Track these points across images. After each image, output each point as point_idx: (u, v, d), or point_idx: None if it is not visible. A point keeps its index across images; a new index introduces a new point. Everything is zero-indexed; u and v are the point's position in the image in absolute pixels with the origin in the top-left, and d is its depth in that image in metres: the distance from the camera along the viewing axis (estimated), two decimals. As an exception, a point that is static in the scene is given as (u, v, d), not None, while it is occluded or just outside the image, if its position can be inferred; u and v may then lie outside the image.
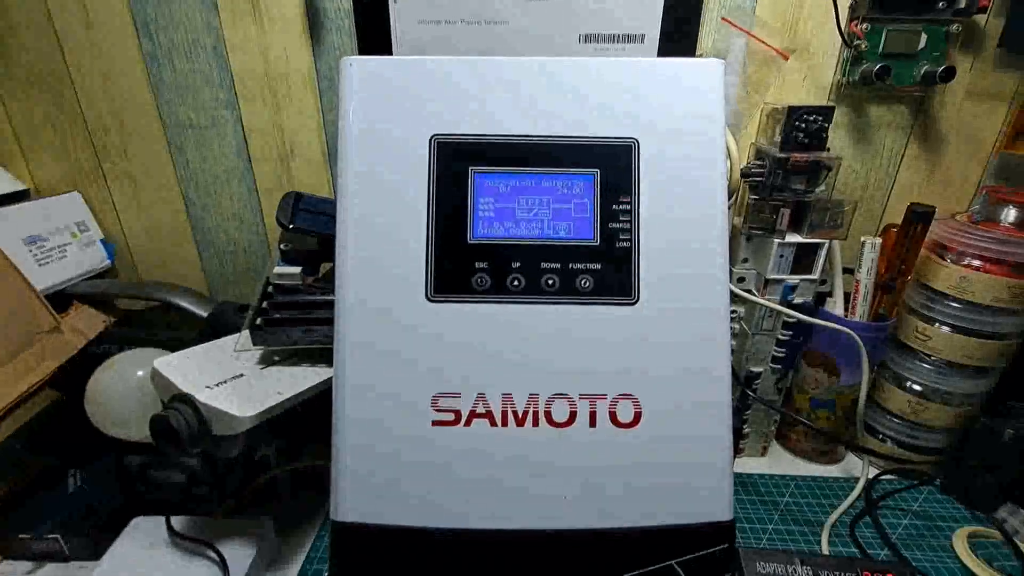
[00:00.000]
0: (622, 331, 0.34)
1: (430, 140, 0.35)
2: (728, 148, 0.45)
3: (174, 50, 0.51)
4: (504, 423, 0.33)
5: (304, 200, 0.51)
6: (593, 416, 0.34)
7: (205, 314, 0.55)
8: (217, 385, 0.41)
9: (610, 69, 0.35)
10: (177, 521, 0.45)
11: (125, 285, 0.57)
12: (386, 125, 0.35)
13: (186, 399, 0.39)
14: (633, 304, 0.34)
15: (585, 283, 0.34)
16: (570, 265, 0.34)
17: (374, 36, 0.46)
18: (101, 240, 0.59)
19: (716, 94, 0.35)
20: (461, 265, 0.34)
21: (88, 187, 0.58)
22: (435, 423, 0.33)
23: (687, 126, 0.35)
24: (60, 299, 0.54)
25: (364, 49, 0.46)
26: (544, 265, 0.34)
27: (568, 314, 0.34)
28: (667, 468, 0.33)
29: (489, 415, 0.33)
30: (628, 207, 0.34)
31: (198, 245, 0.60)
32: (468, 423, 0.33)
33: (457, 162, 0.35)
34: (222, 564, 0.41)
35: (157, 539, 0.44)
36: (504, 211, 0.35)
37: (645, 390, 0.34)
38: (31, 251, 0.52)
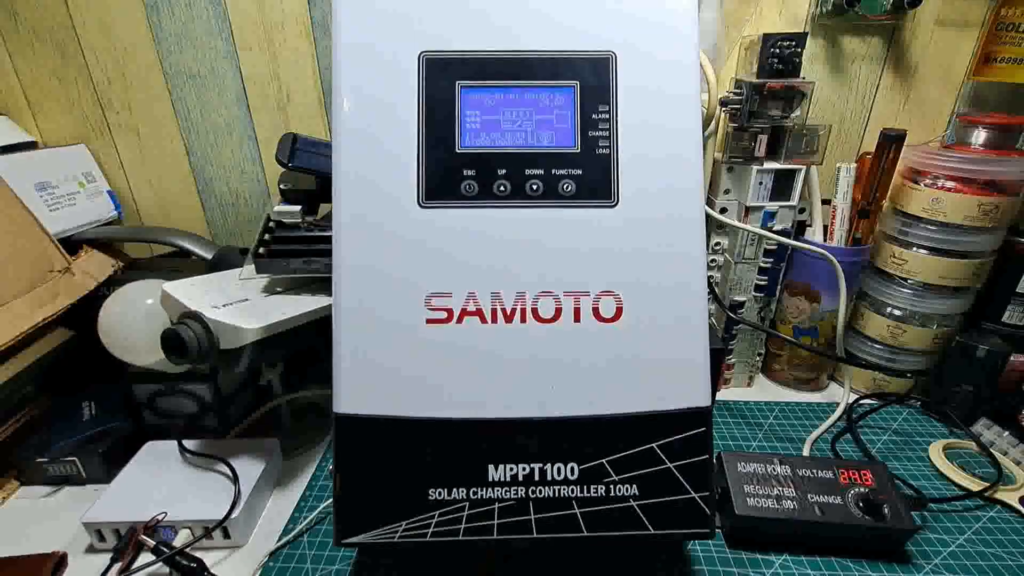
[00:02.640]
0: (603, 232, 0.36)
1: (419, 57, 0.36)
2: (706, 75, 0.47)
3: (174, 2, 0.53)
4: (494, 320, 0.35)
5: (301, 140, 0.53)
6: (577, 312, 0.36)
7: (208, 255, 0.57)
8: (224, 306, 0.43)
9: (587, -16, 0.37)
10: (187, 444, 0.47)
11: (133, 230, 0.59)
12: (377, 43, 0.36)
13: (195, 316, 0.41)
14: (613, 207, 0.36)
15: (567, 187, 0.36)
16: (552, 171, 0.36)
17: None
18: (108, 191, 0.61)
19: (690, 9, 0.37)
20: (450, 173, 0.36)
21: (94, 139, 0.60)
22: (429, 321, 0.35)
23: (662, 40, 0.37)
24: (69, 245, 0.56)
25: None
26: (528, 172, 0.36)
27: (551, 217, 0.36)
28: (647, 358, 0.36)
29: (479, 313, 0.36)
30: (607, 116, 0.36)
31: (201, 196, 0.62)
32: (460, 320, 0.35)
33: (445, 78, 0.36)
34: (233, 476, 0.43)
35: (169, 459, 0.47)
36: (490, 123, 0.37)
37: (626, 287, 0.36)
38: (42, 196, 0.54)
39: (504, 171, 0.36)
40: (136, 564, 0.38)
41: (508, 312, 0.36)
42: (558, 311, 0.36)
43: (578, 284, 0.36)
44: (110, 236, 0.57)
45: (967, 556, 0.40)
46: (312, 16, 0.54)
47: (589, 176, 0.36)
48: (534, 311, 0.36)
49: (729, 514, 0.41)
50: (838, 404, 0.56)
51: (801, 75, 0.48)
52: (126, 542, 0.39)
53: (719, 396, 0.59)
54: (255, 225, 0.64)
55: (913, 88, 0.54)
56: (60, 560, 0.40)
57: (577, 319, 0.36)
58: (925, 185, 0.51)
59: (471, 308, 0.36)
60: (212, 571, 0.38)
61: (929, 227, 0.51)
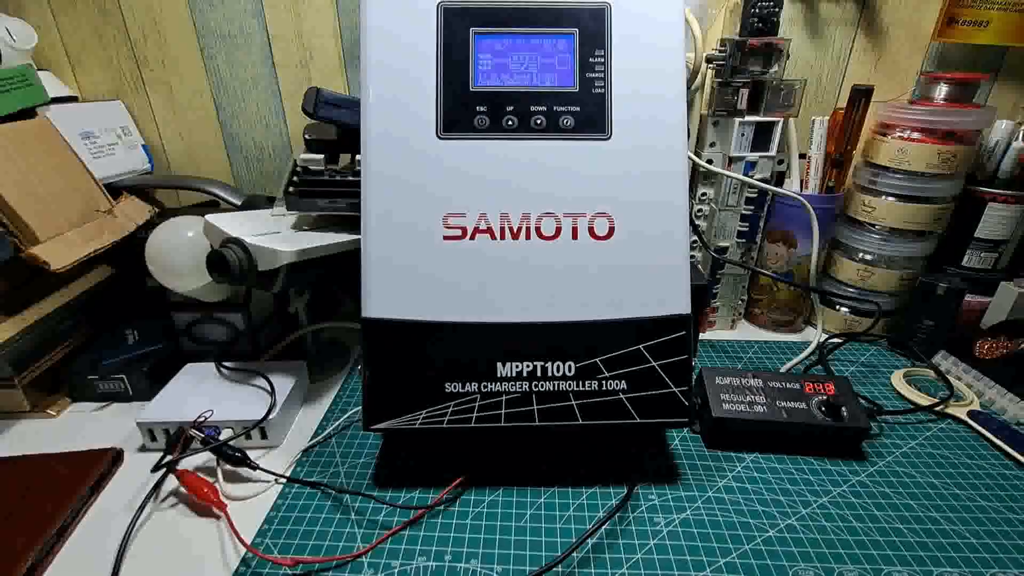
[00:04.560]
0: (598, 161, 0.41)
1: (438, 6, 0.41)
2: (693, 33, 0.52)
3: (206, -39, 0.58)
4: (502, 237, 0.41)
5: (325, 94, 0.58)
6: (575, 231, 0.41)
7: (238, 203, 0.62)
8: (260, 235, 0.48)
9: (586, -59, 0.41)
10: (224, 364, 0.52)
11: (168, 177, 0.64)
12: (400, -5, 0.41)
13: (236, 240, 0.46)
14: (607, 139, 0.41)
15: (567, 122, 0.41)
16: (554, 108, 0.41)
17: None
18: (143, 146, 0.66)
19: (675, -37, 0.41)
20: (465, 109, 0.41)
21: (129, 95, 0.64)
22: (445, 238, 0.41)
23: (651, -5, 0.42)
24: (109, 191, 0.61)
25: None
26: (533, 108, 0.41)
27: (553, 147, 0.41)
28: (636, 272, 0.41)
29: (490, 231, 0.41)
30: (602, 60, 0.41)
31: (227, 149, 0.67)
32: (472, 237, 0.41)
33: (461, 25, 0.41)
34: (269, 387, 0.49)
35: (208, 376, 0.52)
36: (500, 65, 0.42)
37: (617, 209, 0.41)
38: (86, 144, 0.59)
39: (512, 107, 0.41)
40: (187, 454, 0.44)
41: (515, 230, 0.41)
42: (558, 230, 0.41)
43: (576, 206, 0.41)
44: (147, 183, 0.62)
45: (916, 455, 0.46)
46: (334, -23, 0.59)
47: (586, 112, 0.41)
48: (537, 230, 0.41)
49: (707, 418, 0.46)
50: (811, 342, 0.61)
51: (779, 34, 0.53)
52: (177, 437, 0.45)
53: (704, 336, 0.65)
54: (278, 177, 0.69)
55: (884, 49, 0.59)
56: (117, 454, 0.46)
57: (575, 237, 0.41)
58: (892, 137, 0.56)
59: (482, 226, 0.41)
60: (254, 461, 0.44)
61: (896, 175, 0.56)
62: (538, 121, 0.41)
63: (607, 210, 0.41)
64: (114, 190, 0.61)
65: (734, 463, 0.45)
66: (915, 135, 0.54)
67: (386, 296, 0.40)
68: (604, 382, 0.41)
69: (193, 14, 0.60)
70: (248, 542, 0.37)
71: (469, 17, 0.41)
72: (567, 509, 0.40)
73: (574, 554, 0.36)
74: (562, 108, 0.41)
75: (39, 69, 0.62)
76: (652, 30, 0.41)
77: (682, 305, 0.41)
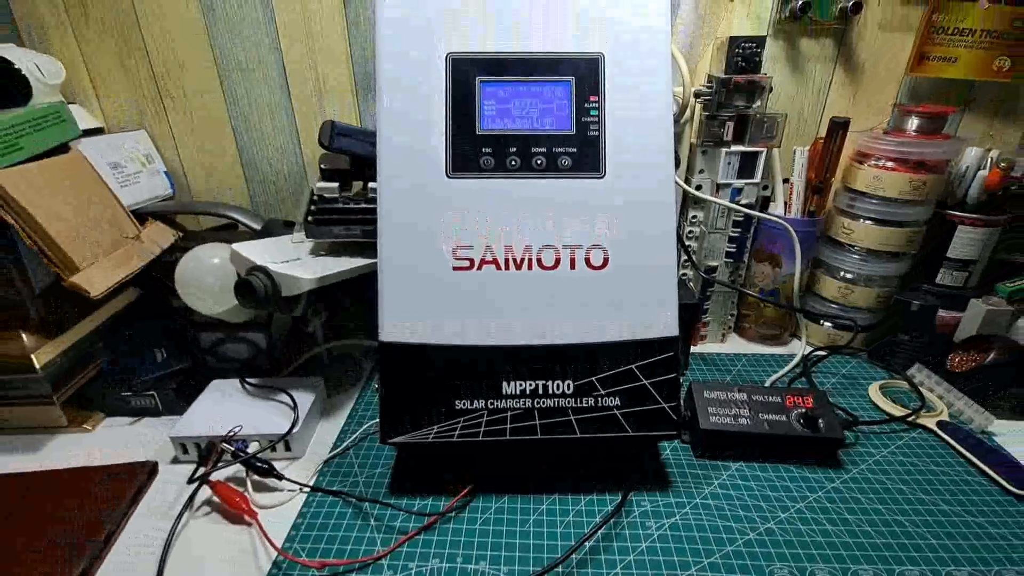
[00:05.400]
0: (593, 197, 0.45)
1: (446, 57, 0.45)
2: (682, 72, 0.56)
3: (228, 2, 0.62)
4: (507, 267, 0.45)
5: (339, 126, 0.62)
6: (573, 261, 0.45)
7: (258, 227, 0.66)
8: (283, 263, 0.52)
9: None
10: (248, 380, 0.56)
11: (191, 203, 0.68)
12: (411, 45, 0.45)
13: (261, 268, 0.50)
14: (601, 178, 0.45)
15: (565, 162, 0.45)
16: (553, 149, 0.45)
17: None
18: (164, 172, 0.70)
19: (663, 19, 0.45)
20: (472, 150, 0.45)
21: (152, 123, 0.68)
22: (455, 268, 0.45)
23: (641, 43, 0.45)
24: (135, 216, 0.65)
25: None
26: (534, 149, 0.45)
27: (552, 186, 0.45)
28: (628, 298, 0.45)
29: (495, 261, 0.45)
30: (597, 106, 0.45)
31: (245, 173, 0.71)
32: (479, 267, 0.45)
33: (467, 74, 0.45)
34: (292, 402, 0.53)
35: (233, 392, 0.56)
36: (503, 110, 0.45)
37: (611, 241, 0.45)
38: (114, 174, 0.63)
39: (514, 149, 0.45)
40: (218, 467, 0.48)
41: (518, 261, 0.45)
42: (557, 260, 0.45)
43: (573, 239, 0.45)
44: (171, 209, 0.66)
45: (888, 463, 0.50)
46: (347, 15, 0.62)
47: (582, 153, 0.45)
48: (538, 260, 0.45)
49: (696, 429, 0.50)
50: (796, 355, 0.65)
51: (762, 71, 0.57)
52: (208, 450, 0.49)
53: (696, 350, 0.69)
54: (292, 200, 0.73)
55: (861, 83, 0.63)
56: (153, 467, 0.49)
57: (573, 267, 0.45)
58: (868, 165, 0.60)
59: (488, 258, 0.45)
60: (280, 472, 0.47)
61: (872, 201, 0.60)
62: (539, 162, 0.45)
63: (602, 242, 0.45)
64: (139, 216, 0.65)
65: (720, 471, 0.49)
66: (889, 164, 0.58)
67: (400, 321, 0.44)
68: (600, 399, 0.45)
69: (214, 48, 0.64)
70: (279, 546, 0.41)
71: (475, 67, 0.45)
72: (567, 515, 0.44)
73: (573, 556, 0.40)
74: (560, 150, 0.45)
75: (68, 102, 0.66)
76: (642, 78, 0.45)
77: (671, 328, 0.45)
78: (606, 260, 0.45)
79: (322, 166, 0.62)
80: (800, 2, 0.57)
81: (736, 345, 0.70)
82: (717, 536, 0.42)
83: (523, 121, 0.45)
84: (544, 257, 0.45)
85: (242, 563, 0.40)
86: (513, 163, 0.45)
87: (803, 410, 0.50)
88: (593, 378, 0.45)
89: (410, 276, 0.44)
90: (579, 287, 0.45)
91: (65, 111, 0.57)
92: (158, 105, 0.67)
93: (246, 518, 0.44)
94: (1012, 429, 0.54)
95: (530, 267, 0.45)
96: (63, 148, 0.57)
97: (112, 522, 0.43)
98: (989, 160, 0.60)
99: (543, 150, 0.45)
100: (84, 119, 0.65)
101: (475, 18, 0.45)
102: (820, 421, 0.49)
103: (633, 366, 0.45)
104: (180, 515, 0.44)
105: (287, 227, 0.67)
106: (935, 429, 0.53)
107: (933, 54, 0.60)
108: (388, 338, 0.44)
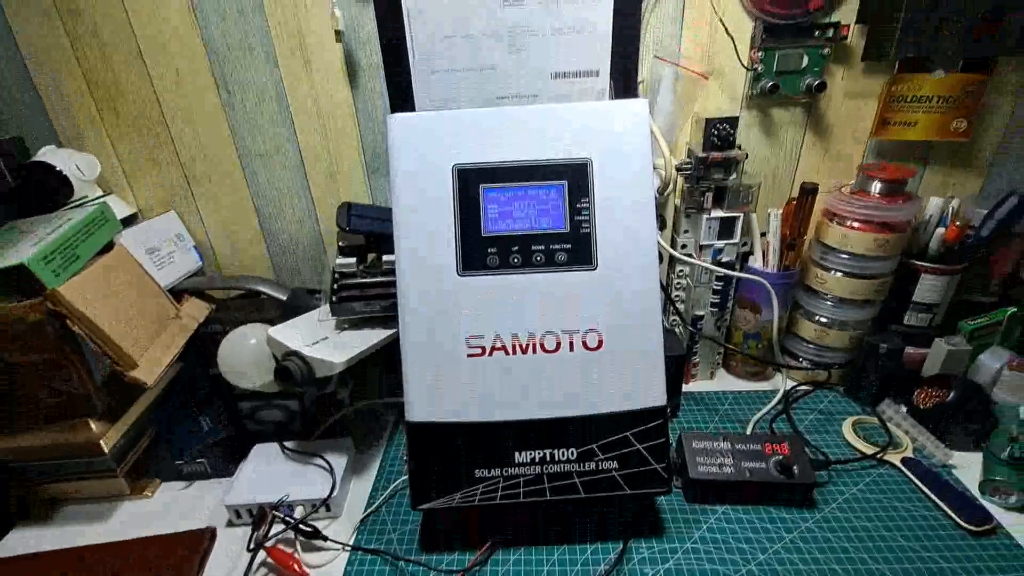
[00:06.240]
0: (587, 287, 0.51)
1: (452, 168, 0.51)
2: (662, 150, 0.61)
3: (246, 99, 0.67)
4: (514, 352, 0.51)
5: (354, 207, 0.68)
6: (572, 344, 0.51)
7: (283, 297, 0.72)
8: (313, 344, 0.59)
9: (570, 112, 0.51)
10: (286, 445, 0.63)
11: (223, 279, 0.74)
12: (421, 158, 0.51)
13: (296, 353, 0.56)
14: (593, 269, 0.51)
15: (561, 257, 0.51)
16: (550, 246, 0.51)
17: (399, 83, 0.61)
18: (193, 246, 0.76)
19: (643, 125, 0.51)
20: (479, 250, 0.51)
21: (180, 205, 0.74)
22: (469, 355, 0.51)
23: (624, 148, 0.51)
24: (173, 294, 0.71)
25: (392, 94, 0.61)
26: (533, 247, 0.51)
27: (550, 279, 0.51)
28: (621, 374, 0.51)
29: (504, 348, 0.51)
30: (587, 205, 0.51)
31: (267, 244, 0.77)
32: (491, 354, 0.51)
33: (472, 182, 0.51)
34: (328, 467, 0.59)
35: (275, 456, 0.63)
36: (505, 212, 0.51)
37: (605, 325, 0.51)
38: (151, 258, 0.69)
39: (516, 247, 0.51)
40: (271, 532, 0.55)
41: (523, 346, 0.51)
42: (558, 344, 0.51)
43: (571, 324, 0.51)
44: (205, 286, 0.72)
45: (856, 500, 0.56)
46: (356, 104, 0.68)
47: (576, 248, 0.51)
48: (541, 345, 0.51)
49: (685, 477, 0.57)
50: (779, 391, 0.72)
51: (737, 144, 0.62)
52: (260, 515, 0.56)
53: (687, 388, 0.75)
54: (311, 264, 0.79)
55: (830, 145, 0.68)
56: (212, 533, 0.57)
57: (571, 349, 0.51)
58: (837, 223, 0.66)
59: (498, 345, 0.51)
60: (324, 534, 0.54)
61: (841, 255, 0.66)
62: (538, 257, 0.51)
63: (596, 327, 0.51)
64: (175, 292, 0.72)
65: (708, 515, 0.56)
66: (855, 224, 0.64)
67: (424, 403, 0.51)
68: (600, 463, 0.51)
69: (235, 139, 0.70)
70: (331, 605, 0.48)
71: (479, 175, 0.51)
72: (576, 564, 0.51)
73: (582, 603, 0.47)
74: (556, 246, 0.51)
75: (105, 193, 0.72)
76: (626, 178, 0.51)
77: (659, 398, 0.51)
78: (601, 342, 0.51)
79: (340, 244, 0.68)
80: (769, 84, 0.62)
81: (724, 382, 0.76)
82: (705, 579, 0.49)
83: (523, 222, 0.51)
84: (546, 342, 0.51)
85: (301, 621, 0.48)
86: (515, 260, 0.51)
87: (780, 457, 0.57)
88: (593, 445, 0.51)
89: (430, 363, 0.51)
90: (578, 367, 0.51)
91: (109, 211, 0.63)
92: (185, 189, 0.73)
93: (299, 578, 0.51)
94: (970, 461, 0.60)
95: (534, 351, 0.51)
96: (109, 244, 0.64)
97: (186, 587, 0.50)
98: (951, 208, 0.66)
99: (542, 247, 0.51)
100: (120, 207, 0.71)
101: (479, 134, 0.51)
102: (795, 468, 0.56)
103: (628, 433, 0.51)
104: (243, 577, 0.51)
105: (310, 294, 0.73)
106: (900, 466, 0.60)
107: (894, 119, 0.65)
108: (414, 418, 0.51)
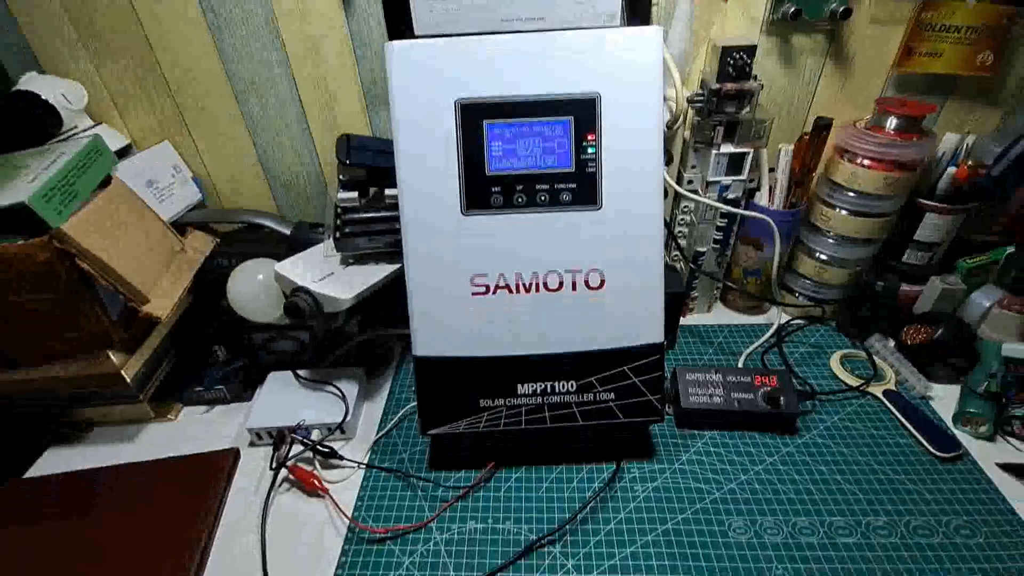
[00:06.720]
0: (591, 227, 0.51)
1: (455, 102, 0.49)
2: (675, 81, 0.59)
3: (232, 17, 0.63)
4: (517, 291, 0.52)
5: (353, 139, 0.66)
6: (574, 283, 0.52)
7: (286, 231, 0.72)
8: (320, 280, 0.60)
9: (579, 41, 0.48)
10: (299, 373, 0.66)
11: (225, 212, 0.74)
12: (422, 92, 0.49)
13: (304, 289, 0.58)
14: (598, 209, 0.51)
15: (565, 196, 0.51)
16: (555, 185, 0.51)
17: (396, 4, 0.57)
18: (193, 178, 0.75)
19: (655, 55, 0.49)
20: (483, 189, 0.51)
21: (175, 135, 0.72)
22: (473, 294, 0.52)
23: (635, 81, 0.49)
24: (176, 227, 0.71)
25: (389, 17, 0.57)
26: (538, 186, 0.51)
27: (554, 217, 0.51)
28: (622, 312, 0.53)
29: (507, 287, 0.52)
30: (594, 143, 0.50)
31: (267, 178, 0.76)
32: (494, 292, 0.52)
33: (475, 117, 0.50)
34: (340, 394, 0.63)
35: (289, 384, 0.66)
36: (509, 151, 0.50)
37: (607, 265, 0.52)
38: (151, 191, 0.68)
39: (520, 187, 0.51)
40: (291, 452, 0.59)
41: (527, 285, 0.52)
42: (560, 283, 0.52)
43: (574, 264, 0.52)
44: (208, 219, 0.72)
45: (836, 429, 0.60)
46: (351, 28, 0.64)
47: (581, 188, 0.51)
48: (544, 284, 0.52)
49: (678, 407, 0.60)
50: (773, 324, 0.74)
51: (753, 75, 0.60)
52: (279, 439, 0.60)
53: (684, 322, 0.77)
54: (312, 197, 0.79)
55: (849, 76, 0.65)
56: (236, 453, 0.61)
57: (574, 288, 0.52)
58: (848, 160, 0.64)
59: (501, 284, 0.52)
60: (340, 453, 0.59)
61: (848, 193, 0.65)
62: (542, 197, 0.51)
63: (599, 266, 0.52)
64: (178, 226, 0.72)
65: (696, 440, 0.60)
66: (866, 161, 0.63)
67: (430, 339, 0.53)
68: (598, 394, 0.54)
69: (224, 66, 0.66)
70: (350, 516, 0.53)
71: (482, 110, 0.49)
72: (572, 482, 0.56)
73: (578, 515, 0.52)
74: (561, 185, 0.51)
75: (95, 124, 0.70)
76: (634, 114, 0.50)
77: (657, 336, 0.53)
78: (603, 281, 0.52)
79: (341, 177, 0.67)
80: (792, 8, 0.58)
81: (721, 315, 0.79)
82: (690, 496, 0.54)
83: (527, 160, 0.50)
84: (549, 281, 0.52)
85: (324, 530, 0.53)
86: (520, 200, 0.51)
87: (768, 388, 0.60)
88: (592, 378, 0.54)
89: (435, 301, 0.52)
90: (580, 305, 0.52)
91: (102, 143, 0.62)
92: (178, 118, 0.71)
93: (320, 493, 0.55)
94: (949, 392, 0.63)
95: (537, 290, 0.52)
96: (106, 179, 0.63)
97: (219, 501, 0.55)
98: (965, 146, 0.64)
99: (546, 187, 0.51)
100: (112, 138, 0.69)
101: (481, 65, 0.49)
102: (781, 399, 0.59)
103: (625, 368, 0.54)
104: (269, 492, 0.56)
105: (313, 228, 0.73)
106: (881, 398, 0.63)
107: (920, 49, 0.62)
108: (421, 352, 0.53)
